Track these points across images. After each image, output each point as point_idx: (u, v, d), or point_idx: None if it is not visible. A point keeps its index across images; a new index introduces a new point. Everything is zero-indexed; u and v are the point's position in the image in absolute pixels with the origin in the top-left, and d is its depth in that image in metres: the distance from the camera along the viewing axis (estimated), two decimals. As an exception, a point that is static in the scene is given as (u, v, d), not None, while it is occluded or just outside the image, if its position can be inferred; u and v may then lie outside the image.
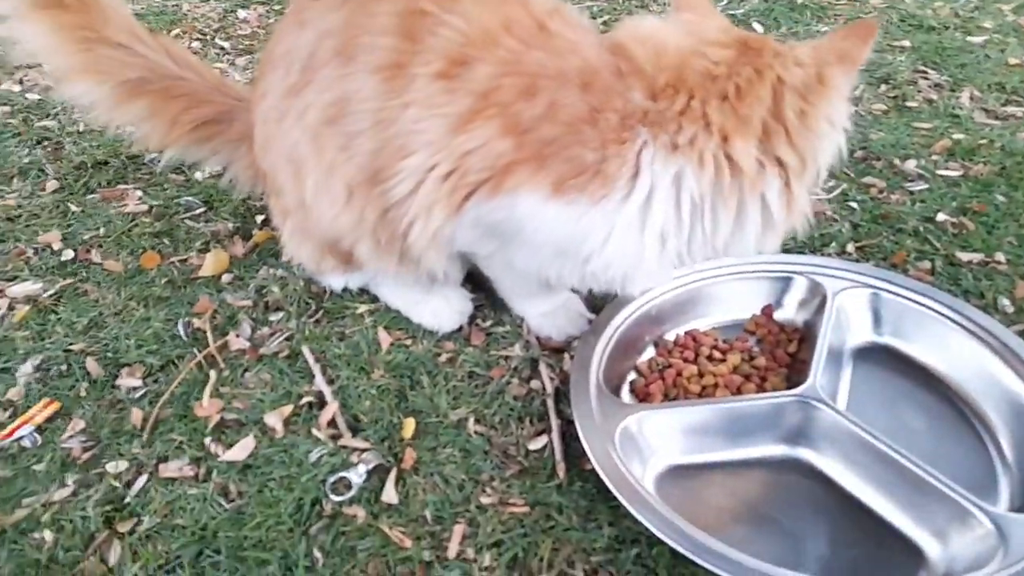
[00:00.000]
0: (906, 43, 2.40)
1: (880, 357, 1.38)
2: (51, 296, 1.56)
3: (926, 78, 2.24)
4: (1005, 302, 1.48)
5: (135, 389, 1.37)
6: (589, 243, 1.12)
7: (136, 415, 1.31)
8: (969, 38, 2.42)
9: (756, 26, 2.57)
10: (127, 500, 1.19)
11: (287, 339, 1.46)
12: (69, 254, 1.67)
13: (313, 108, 1.24)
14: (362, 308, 1.52)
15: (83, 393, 1.36)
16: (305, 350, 1.41)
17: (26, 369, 1.40)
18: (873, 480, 1.14)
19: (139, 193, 1.86)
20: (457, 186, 1.14)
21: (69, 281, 1.60)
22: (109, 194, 1.86)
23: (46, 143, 2.04)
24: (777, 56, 1.07)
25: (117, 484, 1.21)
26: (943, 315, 1.35)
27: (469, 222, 1.17)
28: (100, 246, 1.70)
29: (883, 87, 2.21)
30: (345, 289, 1.54)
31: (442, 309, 1.44)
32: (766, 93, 1.06)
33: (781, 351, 1.38)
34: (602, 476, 1.10)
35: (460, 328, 1.47)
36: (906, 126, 2.02)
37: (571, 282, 1.25)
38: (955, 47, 2.37)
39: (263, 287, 1.58)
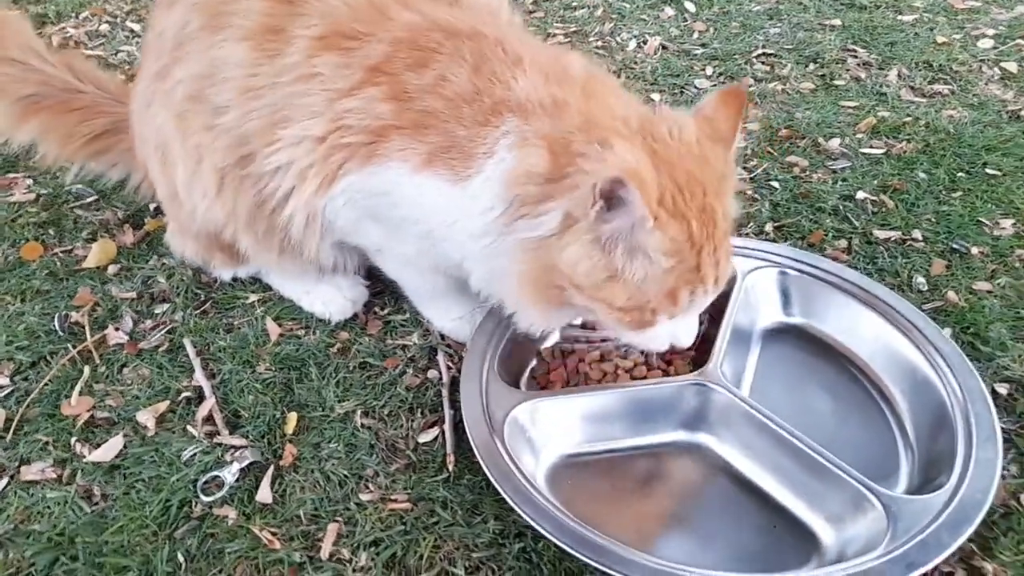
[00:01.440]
0: (836, 22, 2.37)
1: (790, 337, 1.34)
2: (-79, 292, 1.46)
3: (855, 56, 2.20)
4: (920, 280, 1.44)
5: (2, 388, 1.27)
6: (444, 220, 1.06)
7: (-1, 415, 1.22)
8: (900, 17, 2.39)
9: (688, 5, 2.51)
10: (-14, 506, 1.10)
11: (169, 332, 1.37)
12: (-54, 247, 1.57)
13: (180, 85, 1.16)
14: (253, 297, 1.44)
15: (-56, 393, 1.26)
16: (187, 343, 1.33)
17: None
18: (771, 465, 1.10)
19: (29, 181, 1.75)
20: (332, 149, 1.06)
21: (-57, 276, 1.50)
22: (-5, 183, 1.75)
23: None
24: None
25: (-30, 489, 1.12)
26: (853, 295, 1.30)
27: (341, 194, 1.09)
28: (-18, 238, 1.60)
29: (811, 66, 2.17)
30: (236, 278, 1.45)
31: (333, 297, 1.36)
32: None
33: (689, 335, 1.33)
34: (485, 468, 1.03)
35: (356, 316, 1.39)
36: (833, 104, 1.99)
37: (447, 270, 1.19)
38: (885, 25, 2.34)
39: (150, 277, 1.49)
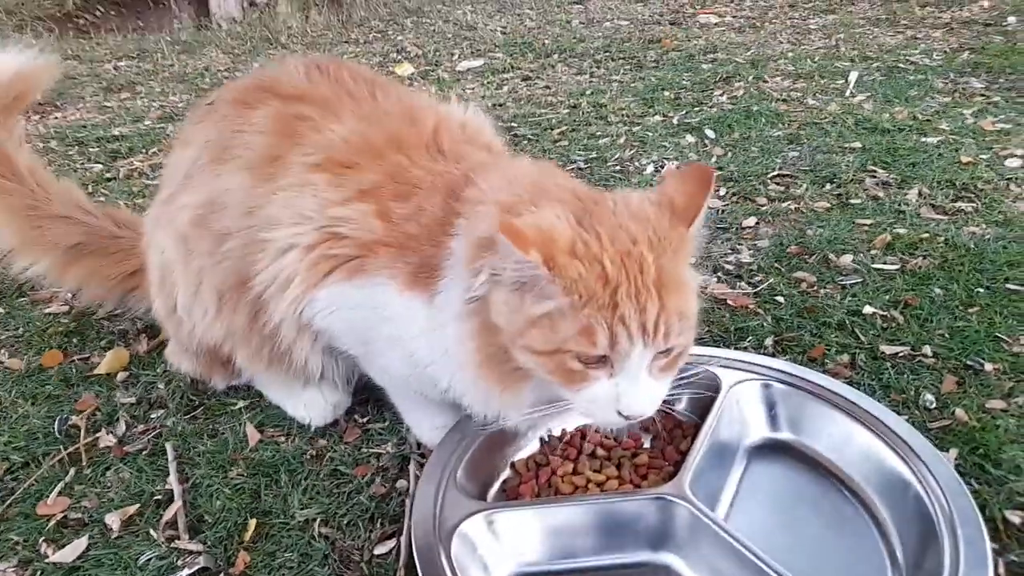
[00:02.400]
0: (856, 144, 2.38)
1: (777, 455, 1.26)
2: (-56, 394, 1.55)
3: (873, 176, 2.19)
4: (928, 397, 1.35)
5: (-9, 486, 1.32)
6: (428, 343, 1.09)
7: (-20, 513, 1.25)
8: (924, 139, 2.38)
9: (708, 132, 2.58)
10: (-57, 605, 1.12)
11: (157, 436, 1.40)
12: (-21, 353, 1.68)
13: (184, 210, 1.26)
14: (241, 404, 1.47)
15: (-62, 490, 1.31)
16: (168, 447, 1.35)
17: None
18: (737, 591, 1.00)
19: (69, 295, 1.88)
20: (320, 259, 1.12)
21: (-33, 380, 1.59)
22: (38, 297, 1.89)
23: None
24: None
25: (-64, 587, 1.14)
26: (844, 410, 1.23)
27: (326, 299, 1.14)
28: (11, 345, 1.71)
29: (828, 186, 2.16)
30: (230, 387, 1.49)
31: (315, 402, 1.38)
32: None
33: (673, 448, 1.27)
34: (422, 580, 0.99)
35: (336, 423, 1.40)
36: (847, 222, 1.96)
37: (428, 391, 1.20)
38: (908, 147, 2.32)
39: (152, 384, 1.55)
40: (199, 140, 1.30)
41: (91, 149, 2.87)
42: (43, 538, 1.20)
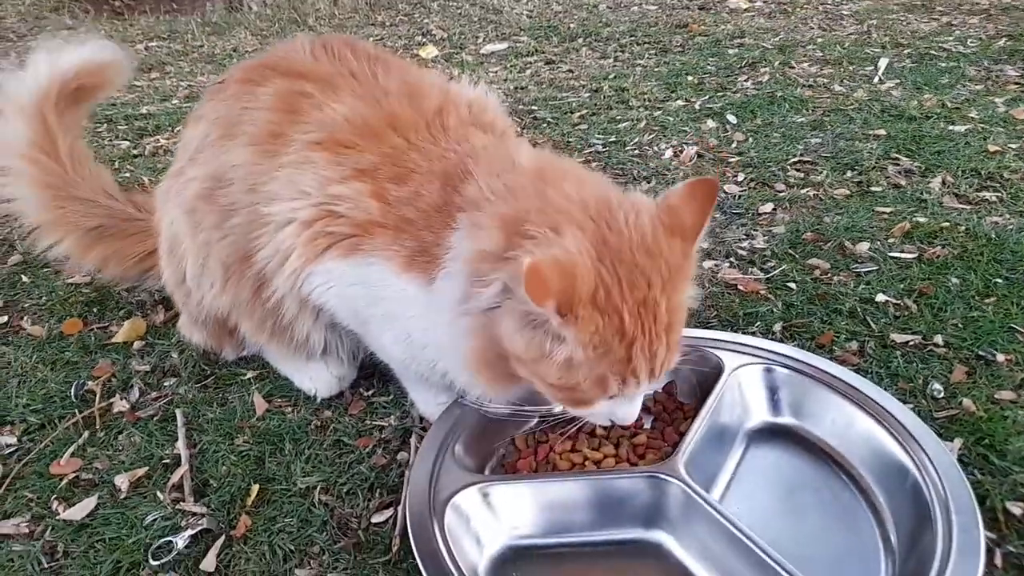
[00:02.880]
0: (881, 132, 2.33)
1: (778, 439, 1.25)
2: (-32, 358, 1.61)
3: (896, 164, 2.14)
4: (937, 387, 1.33)
5: (9, 446, 1.36)
6: (422, 324, 1.11)
7: (-4, 471, 1.30)
8: (951, 127, 2.33)
9: (730, 117, 2.55)
10: (-43, 556, 1.16)
11: (168, 403, 1.44)
12: (3, 320, 1.73)
13: (192, 183, 1.29)
14: (250, 374, 1.50)
15: (-41, 448, 1.36)
16: (178, 414, 1.39)
17: (-85, 424, 1.42)
18: (727, 571, 1.00)
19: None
20: (320, 234, 1.14)
21: (-8, 343, 1.65)
22: (61, 268, 1.93)
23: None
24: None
25: (-47, 539, 1.19)
26: (846, 395, 1.22)
27: (324, 274, 1.16)
28: (34, 313, 1.75)
29: (849, 173, 2.13)
30: (240, 357, 1.52)
31: (320, 374, 1.40)
32: None
33: (672, 429, 1.27)
34: (413, 547, 1.00)
35: (341, 395, 1.42)
36: (866, 210, 1.93)
37: (425, 372, 1.22)
38: (934, 135, 2.27)
39: (166, 353, 1.58)
40: (210, 116, 1.31)
41: (119, 127, 2.92)
42: (55, 496, 1.24)
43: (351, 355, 1.42)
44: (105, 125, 2.94)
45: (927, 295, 1.58)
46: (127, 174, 2.46)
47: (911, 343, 1.45)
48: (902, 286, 1.62)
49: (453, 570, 0.97)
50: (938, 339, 1.45)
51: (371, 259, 1.11)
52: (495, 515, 1.10)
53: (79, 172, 1.61)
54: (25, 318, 1.74)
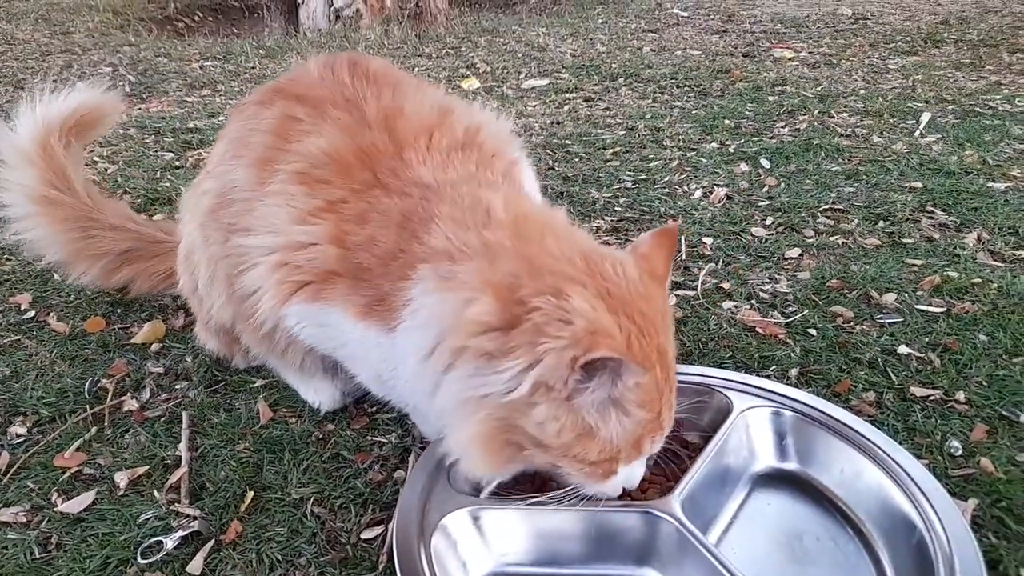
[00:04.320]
0: (918, 184, 2.29)
1: (783, 484, 1.22)
2: (-6, 348, 1.65)
3: (931, 217, 2.10)
4: (956, 444, 1.28)
5: (19, 436, 1.39)
6: (386, 366, 1.10)
7: (3, 458, 1.32)
8: (991, 184, 2.28)
9: (764, 162, 2.54)
10: (-44, 539, 1.18)
11: (176, 405, 1.45)
12: (30, 314, 1.78)
13: (205, 197, 1.31)
14: (259, 383, 1.51)
15: (-29, 435, 1.39)
16: (184, 416, 1.40)
17: (-65, 408, 1.46)
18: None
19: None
20: (285, 279, 1.13)
21: (17, 337, 1.69)
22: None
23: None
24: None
25: (-46, 522, 1.20)
26: (857, 445, 1.18)
27: (295, 315, 1.16)
28: (61, 310, 1.80)
29: (881, 223, 2.09)
30: (250, 367, 1.54)
31: (324, 387, 1.41)
32: None
33: (676, 467, 1.24)
34: (396, 565, 0.99)
35: (345, 409, 1.42)
36: (896, 261, 1.88)
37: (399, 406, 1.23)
38: (972, 191, 2.23)
39: (181, 357, 1.60)
40: (229, 135, 1.33)
41: (166, 139, 3.02)
42: (55, 488, 1.26)
43: (351, 376, 1.42)
44: (152, 136, 3.04)
45: (952, 350, 1.53)
46: (167, 183, 2.53)
47: (931, 397, 1.40)
48: (927, 339, 1.57)
49: (432, 592, 0.95)
50: (960, 395, 1.40)
51: (330, 307, 1.10)
52: (484, 540, 1.08)
53: (98, 203, 1.67)
54: (51, 314, 1.78)
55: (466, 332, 0.93)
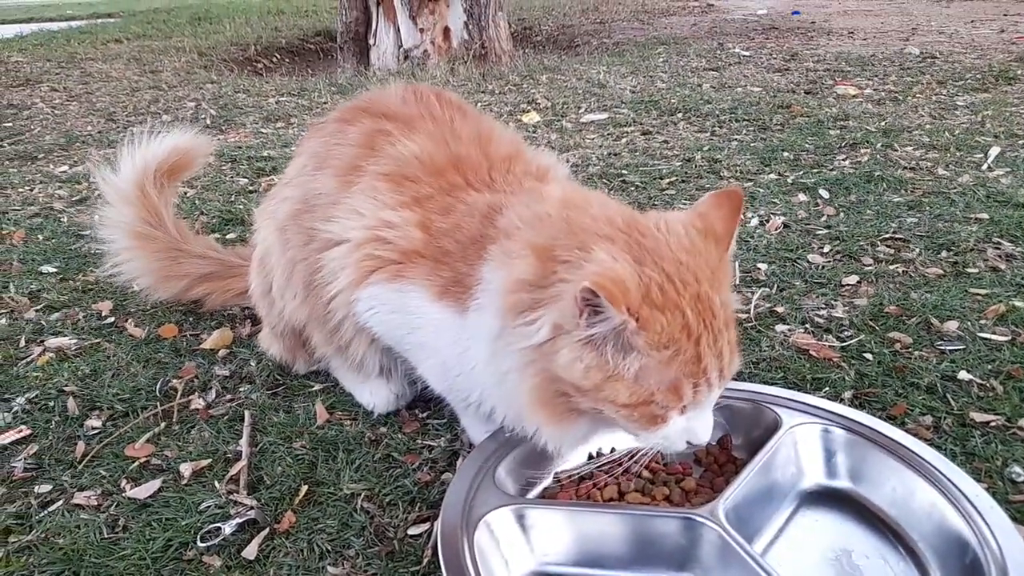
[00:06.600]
0: (984, 216, 2.24)
1: (832, 502, 1.20)
2: (76, 349, 1.76)
3: (998, 248, 2.05)
4: (1017, 469, 1.24)
5: (94, 428, 1.47)
6: (456, 350, 1.15)
7: (80, 448, 1.41)
8: (1063, 217, 2.21)
9: (823, 192, 2.52)
10: (36, 516, 1.25)
11: (239, 405, 1.52)
12: (110, 320, 1.90)
13: (285, 203, 1.40)
14: (317, 387, 1.57)
15: (52, 426, 1.48)
16: (247, 415, 1.47)
17: (20, 401, 1.56)
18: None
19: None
20: (369, 256, 1.21)
21: (97, 340, 1.80)
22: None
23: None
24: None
25: (33, 502, 1.28)
26: (910, 463, 1.15)
27: (370, 297, 1.23)
28: (138, 317, 1.91)
29: (944, 253, 2.04)
30: (311, 371, 1.61)
31: (379, 390, 1.46)
32: None
33: (723, 480, 1.23)
34: (440, 559, 1.01)
35: (398, 413, 1.46)
36: (959, 290, 1.84)
37: (461, 400, 1.26)
38: (1043, 223, 2.16)
39: (246, 362, 1.68)
40: (308, 151, 1.44)
41: (241, 166, 3.18)
42: (125, 476, 1.33)
43: (409, 379, 1.47)
44: (229, 164, 3.21)
45: (1016, 378, 1.48)
46: (240, 206, 2.67)
47: (993, 424, 1.36)
48: (989, 367, 1.53)
49: (476, 585, 0.97)
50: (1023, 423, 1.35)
51: (410, 286, 1.17)
52: (527, 539, 1.10)
53: (185, 236, 1.82)
54: (129, 320, 1.89)
55: (509, 292, 1.00)
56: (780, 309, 1.81)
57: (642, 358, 0.95)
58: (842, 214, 2.35)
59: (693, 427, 1.03)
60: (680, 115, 3.67)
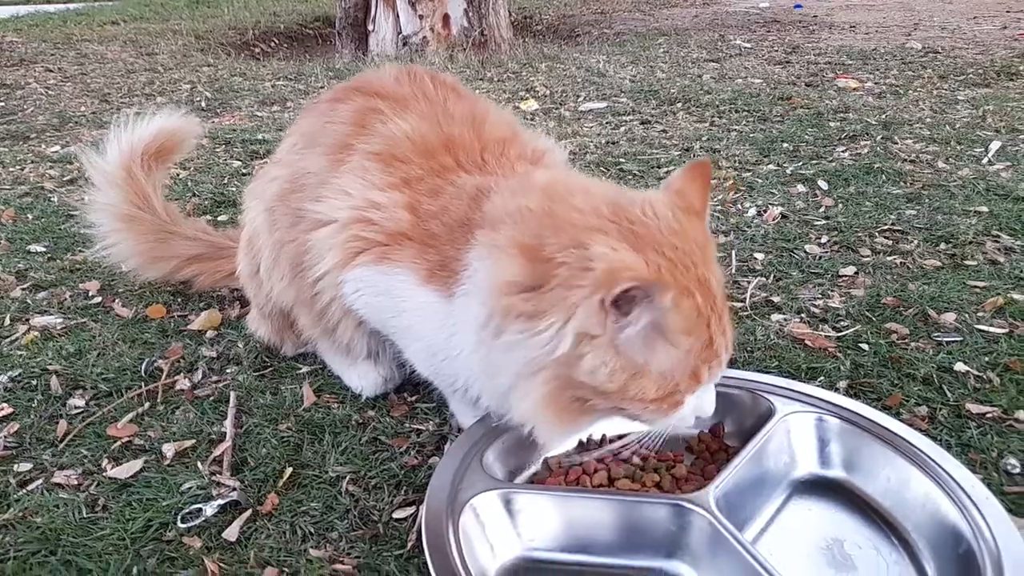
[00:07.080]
0: (983, 209, 2.21)
1: (825, 492, 1.18)
2: (62, 328, 1.74)
3: (997, 241, 2.03)
4: (1013, 461, 1.22)
5: (77, 407, 1.45)
6: (442, 335, 1.13)
7: (62, 427, 1.38)
8: (1063, 211, 2.19)
9: (822, 183, 2.50)
10: (14, 495, 1.23)
11: (226, 387, 1.50)
12: (97, 300, 1.87)
13: (274, 183, 1.38)
14: (305, 369, 1.55)
15: (34, 404, 1.46)
16: (232, 396, 1.44)
17: (3, 379, 1.53)
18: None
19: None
20: (355, 237, 1.18)
21: (83, 320, 1.78)
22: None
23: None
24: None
25: (12, 481, 1.26)
26: (905, 453, 1.14)
27: (356, 280, 1.20)
28: (126, 297, 1.88)
29: (942, 245, 2.02)
30: (299, 354, 1.58)
31: (367, 373, 1.44)
32: None
33: (714, 467, 1.21)
34: (424, 541, 0.99)
35: (386, 397, 1.44)
36: (957, 282, 1.82)
37: (448, 386, 1.25)
38: (1042, 217, 2.14)
39: (233, 343, 1.66)
40: (300, 130, 1.41)
41: (235, 149, 3.15)
42: (106, 455, 1.31)
43: (398, 363, 1.44)
44: (223, 146, 3.17)
45: (1014, 370, 1.46)
46: (233, 188, 2.64)
47: (989, 415, 1.34)
48: (987, 359, 1.51)
49: (461, 570, 0.95)
50: (1020, 415, 1.33)
51: (397, 269, 1.15)
52: (513, 523, 1.08)
53: (175, 219, 1.79)
54: (116, 300, 1.86)
55: (501, 294, 0.97)
56: (776, 299, 1.79)
57: (671, 348, 0.94)
58: (840, 205, 2.32)
59: (702, 403, 1.03)
60: (680, 105, 3.64)
